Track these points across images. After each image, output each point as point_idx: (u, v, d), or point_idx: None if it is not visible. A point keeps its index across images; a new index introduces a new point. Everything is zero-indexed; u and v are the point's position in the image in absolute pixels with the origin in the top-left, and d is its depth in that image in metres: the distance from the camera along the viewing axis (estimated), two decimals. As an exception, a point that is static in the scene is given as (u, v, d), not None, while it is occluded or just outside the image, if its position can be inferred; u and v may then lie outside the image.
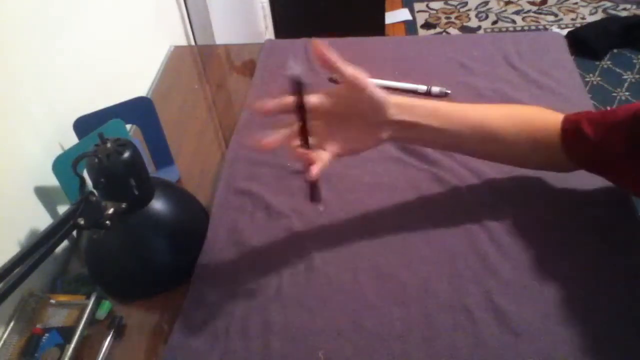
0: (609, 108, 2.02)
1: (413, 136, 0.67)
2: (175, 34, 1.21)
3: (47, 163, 0.69)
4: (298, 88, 0.59)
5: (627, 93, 2.09)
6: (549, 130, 0.67)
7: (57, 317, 0.67)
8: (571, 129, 0.66)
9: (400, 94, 0.93)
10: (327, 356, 0.61)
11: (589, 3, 2.57)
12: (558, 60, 0.97)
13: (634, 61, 2.23)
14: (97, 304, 0.68)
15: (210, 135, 0.94)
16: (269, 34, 2.03)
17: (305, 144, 0.61)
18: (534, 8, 2.58)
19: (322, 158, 0.61)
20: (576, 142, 0.66)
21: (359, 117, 0.63)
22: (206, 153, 0.90)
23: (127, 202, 0.63)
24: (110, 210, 0.61)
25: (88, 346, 0.65)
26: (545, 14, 2.54)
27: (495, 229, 0.71)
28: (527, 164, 0.73)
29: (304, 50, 1.05)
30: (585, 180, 0.75)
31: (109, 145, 0.62)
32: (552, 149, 0.67)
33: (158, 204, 0.68)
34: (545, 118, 0.69)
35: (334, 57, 0.62)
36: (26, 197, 0.72)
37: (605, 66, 2.22)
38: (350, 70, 0.62)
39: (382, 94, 0.62)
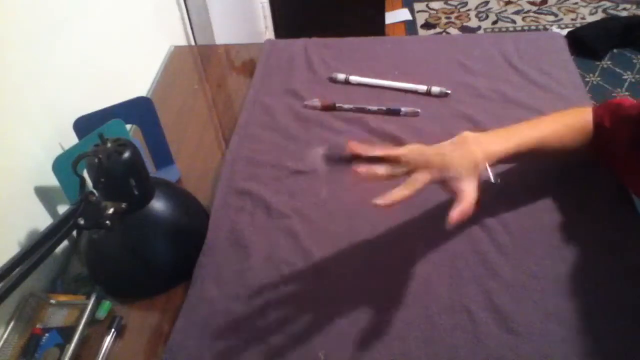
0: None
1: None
2: (175, 34, 1.21)
3: (47, 163, 0.69)
4: None
5: (627, 93, 2.08)
6: (590, 128, 0.70)
7: (57, 317, 0.67)
8: (596, 123, 0.69)
9: (401, 94, 0.94)
10: (327, 356, 0.61)
11: (589, 3, 2.57)
12: (558, 60, 0.97)
13: (634, 61, 2.23)
14: (97, 304, 0.68)
15: (210, 135, 0.94)
16: (269, 34, 2.03)
17: None
18: (534, 8, 2.58)
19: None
20: (599, 134, 0.69)
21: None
22: (206, 153, 0.90)
23: (127, 202, 0.63)
24: (110, 210, 0.61)
25: (88, 346, 0.65)
26: (545, 14, 2.54)
27: (495, 229, 0.71)
28: (575, 160, 0.74)
29: (304, 50, 1.06)
30: (585, 181, 0.75)
31: (109, 145, 0.62)
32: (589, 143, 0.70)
33: (158, 204, 0.68)
34: (587, 117, 0.71)
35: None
36: (26, 197, 0.72)
37: (605, 66, 2.21)
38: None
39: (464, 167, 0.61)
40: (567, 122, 0.71)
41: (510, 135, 0.66)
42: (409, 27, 2.54)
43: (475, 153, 0.62)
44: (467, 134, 0.64)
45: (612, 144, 0.68)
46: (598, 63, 2.23)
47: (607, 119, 0.68)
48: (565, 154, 0.71)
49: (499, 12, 2.57)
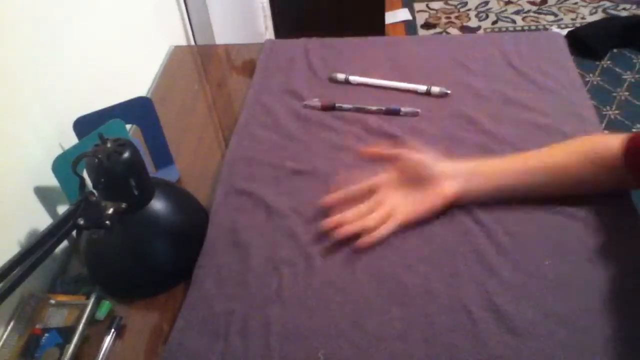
0: (608, 108, 2.03)
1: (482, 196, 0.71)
2: (175, 34, 1.21)
3: (47, 163, 0.69)
4: None
5: (626, 93, 2.09)
6: (612, 151, 0.67)
7: (57, 317, 0.67)
8: (635, 143, 0.66)
9: (401, 94, 0.94)
10: (327, 356, 0.61)
11: (589, 3, 2.57)
12: (558, 60, 0.97)
13: (634, 61, 2.23)
14: (97, 304, 0.68)
15: (210, 135, 0.94)
16: (269, 34, 2.03)
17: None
18: (534, 8, 2.58)
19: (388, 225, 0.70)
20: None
21: (416, 179, 0.71)
22: (206, 153, 0.90)
23: (127, 202, 0.63)
24: (110, 210, 0.61)
25: (88, 346, 0.65)
26: (545, 14, 2.54)
27: (495, 229, 0.71)
28: (594, 189, 0.71)
29: (304, 50, 1.06)
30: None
31: (109, 145, 0.62)
32: (616, 169, 0.67)
33: (158, 204, 0.68)
34: (604, 141, 0.70)
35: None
36: (26, 197, 0.72)
37: (605, 66, 2.22)
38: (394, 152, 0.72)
39: (426, 160, 0.71)
40: (572, 147, 0.70)
41: (494, 169, 0.71)
42: (409, 27, 2.54)
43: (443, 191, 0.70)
44: (444, 168, 0.70)
45: None
46: (598, 63, 2.23)
47: None
48: (570, 179, 0.69)
49: (499, 12, 2.58)
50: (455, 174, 0.71)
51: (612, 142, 0.68)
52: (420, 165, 0.71)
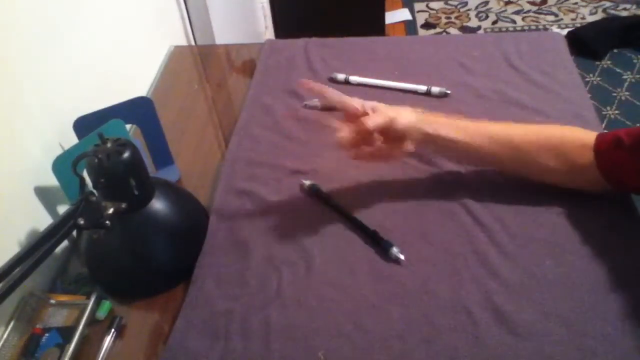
0: (608, 108, 2.02)
1: (436, 148, 0.73)
2: (175, 34, 1.21)
3: (47, 163, 0.69)
4: None
5: (627, 93, 2.09)
6: (578, 145, 0.68)
7: (57, 317, 0.67)
8: (607, 140, 0.66)
9: (401, 94, 0.94)
10: (327, 356, 0.61)
11: (589, 3, 2.57)
12: (558, 60, 0.97)
13: (634, 61, 2.23)
14: (97, 304, 0.68)
15: (210, 135, 0.94)
16: (269, 34, 2.03)
17: None
18: (534, 8, 2.58)
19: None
20: (612, 151, 0.65)
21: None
22: (206, 153, 0.90)
23: (127, 202, 0.63)
24: (110, 210, 0.61)
25: (88, 346, 0.65)
26: (545, 14, 2.54)
27: (495, 229, 0.71)
28: (556, 179, 0.71)
29: (304, 50, 1.06)
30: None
31: (109, 145, 0.62)
32: (584, 165, 0.67)
33: (158, 204, 0.68)
34: (573, 134, 0.70)
35: (322, 88, 0.71)
36: (26, 197, 0.72)
37: (605, 66, 2.21)
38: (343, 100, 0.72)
39: (384, 113, 0.71)
40: (535, 128, 0.71)
41: (454, 119, 0.72)
42: (409, 27, 2.54)
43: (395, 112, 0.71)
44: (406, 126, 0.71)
45: (637, 160, 0.63)
46: (598, 63, 2.23)
47: (625, 136, 0.64)
48: (525, 157, 0.69)
49: (499, 12, 2.57)
50: (415, 134, 0.71)
51: (581, 136, 0.69)
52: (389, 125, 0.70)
